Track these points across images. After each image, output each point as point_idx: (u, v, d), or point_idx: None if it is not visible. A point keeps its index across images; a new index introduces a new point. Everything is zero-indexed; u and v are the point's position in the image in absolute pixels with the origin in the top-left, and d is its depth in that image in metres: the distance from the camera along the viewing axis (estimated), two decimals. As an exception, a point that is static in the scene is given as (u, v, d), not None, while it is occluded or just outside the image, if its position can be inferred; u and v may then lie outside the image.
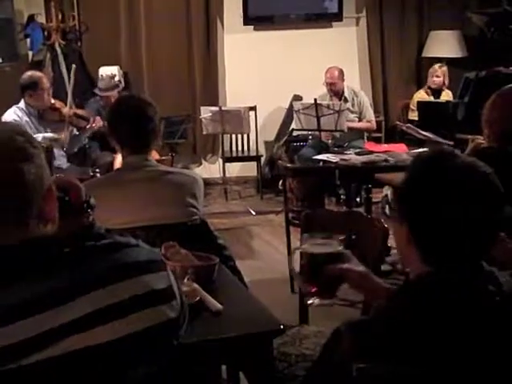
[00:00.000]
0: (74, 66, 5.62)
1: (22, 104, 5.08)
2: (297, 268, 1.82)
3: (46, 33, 7.01)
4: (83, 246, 1.27)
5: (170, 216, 2.59)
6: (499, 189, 1.34)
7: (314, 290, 1.69)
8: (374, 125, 6.53)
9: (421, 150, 5.08)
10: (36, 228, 1.25)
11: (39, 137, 4.88)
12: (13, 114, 5.00)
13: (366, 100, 6.51)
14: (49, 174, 1.29)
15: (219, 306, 2.01)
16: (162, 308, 1.26)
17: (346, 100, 6.32)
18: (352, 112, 6.34)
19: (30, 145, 1.26)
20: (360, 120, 6.42)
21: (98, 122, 5.36)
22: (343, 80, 6.38)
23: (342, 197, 6.29)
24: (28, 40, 7.04)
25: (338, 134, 6.07)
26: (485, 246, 1.34)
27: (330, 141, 6.09)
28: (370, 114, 6.48)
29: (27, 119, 5.05)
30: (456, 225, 1.30)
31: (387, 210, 5.40)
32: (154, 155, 5.76)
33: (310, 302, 1.72)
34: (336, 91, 6.35)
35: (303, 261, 1.74)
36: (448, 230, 1.31)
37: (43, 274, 1.20)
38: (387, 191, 5.82)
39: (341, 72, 6.36)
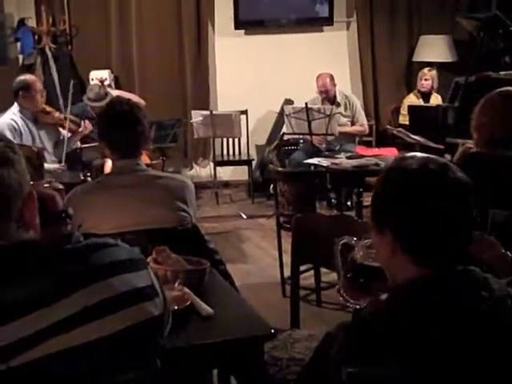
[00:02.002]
0: (72, 81, 5.65)
1: (15, 107, 5.07)
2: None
3: (36, 36, 7.00)
4: (63, 249, 1.28)
5: (161, 220, 2.58)
6: (458, 174, 1.36)
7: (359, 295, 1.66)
8: (366, 128, 6.56)
9: (412, 153, 5.10)
10: (16, 233, 1.25)
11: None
12: (9, 119, 5.00)
13: (357, 104, 6.54)
14: (29, 179, 1.29)
15: (210, 310, 2.01)
16: (145, 305, 1.27)
17: (338, 105, 6.34)
18: (345, 116, 6.36)
19: (10, 150, 1.25)
20: (353, 124, 6.45)
21: (88, 126, 5.35)
22: (335, 85, 6.41)
23: (332, 201, 6.30)
24: (18, 44, 7.03)
25: (330, 138, 6.08)
26: (465, 236, 1.36)
27: (323, 145, 6.10)
28: (362, 117, 6.51)
29: (22, 122, 5.05)
30: (434, 218, 1.33)
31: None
32: (145, 159, 5.78)
33: (358, 307, 1.68)
34: (329, 98, 6.38)
35: (354, 268, 1.70)
36: (429, 225, 1.33)
37: (24, 277, 1.20)
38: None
39: (332, 78, 6.39)
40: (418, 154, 1.43)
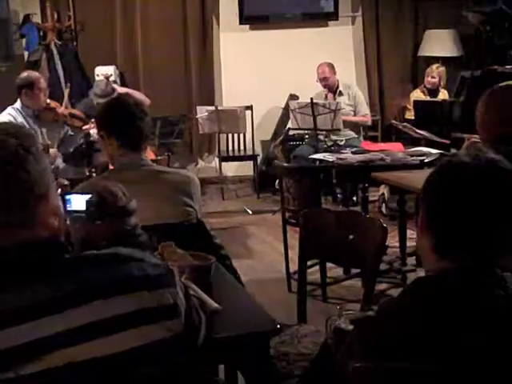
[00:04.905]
0: (68, 85, 5.67)
1: (18, 104, 5.06)
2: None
3: (41, 33, 7.01)
4: (84, 254, 1.25)
5: (166, 215, 2.58)
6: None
7: None
8: (368, 119, 6.56)
9: (417, 148, 5.09)
10: (26, 232, 1.21)
11: None
12: (7, 115, 4.99)
13: (359, 94, 6.53)
14: (46, 178, 1.25)
15: (216, 305, 2.00)
16: (167, 324, 1.25)
17: (340, 93, 6.34)
18: (348, 105, 6.35)
19: (23, 149, 1.22)
20: (355, 114, 6.44)
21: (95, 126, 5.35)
22: (335, 74, 6.41)
23: (338, 196, 6.29)
24: (24, 40, 7.04)
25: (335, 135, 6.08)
26: (494, 242, 1.34)
27: (326, 138, 6.10)
28: (364, 108, 6.51)
29: (22, 120, 5.03)
30: (464, 213, 1.31)
31: (384, 209, 5.42)
32: (150, 155, 5.76)
33: None
34: (329, 86, 6.37)
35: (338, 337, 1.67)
36: (457, 217, 1.32)
37: (41, 278, 1.18)
38: (384, 190, 5.83)
39: (331, 67, 6.39)
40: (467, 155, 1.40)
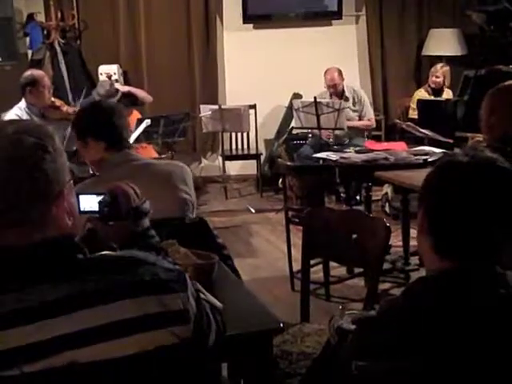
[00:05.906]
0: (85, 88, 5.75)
1: (22, 103, 5.07)
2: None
3: (45, 31, 7.02)
4: (98, 255, 1.25)
5: (165, 206, 2.56)
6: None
7: None
8: (373, 122, 6.55)
9: (421, 147, 5.09)
10: (40, 231, 1.21)
11: None
12: (14, 115, 4.99)
13: (365, 98, 6.52)
14: (62, 177, 1.25)
15: (219, 304, 2.00)
16: (175, 330, 1.24)
17: (346, 99, 6.32)
18: (353, 111, 6.34)
19: (40, 148, 1.21)
20: (360, 118, 6.43)
21: None
22: (343, 79, 6.39)
23: (341, 195, 6.29)
24: (27, 39, 7.05)
25: (339, 132, 6.07)
26: (494, 241, 1.33)
27: (331, 139, 6.09)
28: (369, 112, 6.50)
29: (28, 118, 5.04)
30: (463, 213, 1.31)
31: (387, 208, 5.42)
32: (153, 154, 5.78)
33: None
34: (337, 92, 6.35)
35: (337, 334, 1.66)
36: (456, 218, 1.31)
37: (52, 279, 1.17)
38: (387, 189, 5.83)
39: (340, 72, 6.37)
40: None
